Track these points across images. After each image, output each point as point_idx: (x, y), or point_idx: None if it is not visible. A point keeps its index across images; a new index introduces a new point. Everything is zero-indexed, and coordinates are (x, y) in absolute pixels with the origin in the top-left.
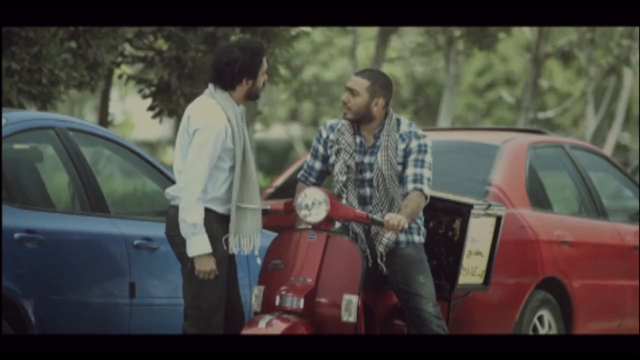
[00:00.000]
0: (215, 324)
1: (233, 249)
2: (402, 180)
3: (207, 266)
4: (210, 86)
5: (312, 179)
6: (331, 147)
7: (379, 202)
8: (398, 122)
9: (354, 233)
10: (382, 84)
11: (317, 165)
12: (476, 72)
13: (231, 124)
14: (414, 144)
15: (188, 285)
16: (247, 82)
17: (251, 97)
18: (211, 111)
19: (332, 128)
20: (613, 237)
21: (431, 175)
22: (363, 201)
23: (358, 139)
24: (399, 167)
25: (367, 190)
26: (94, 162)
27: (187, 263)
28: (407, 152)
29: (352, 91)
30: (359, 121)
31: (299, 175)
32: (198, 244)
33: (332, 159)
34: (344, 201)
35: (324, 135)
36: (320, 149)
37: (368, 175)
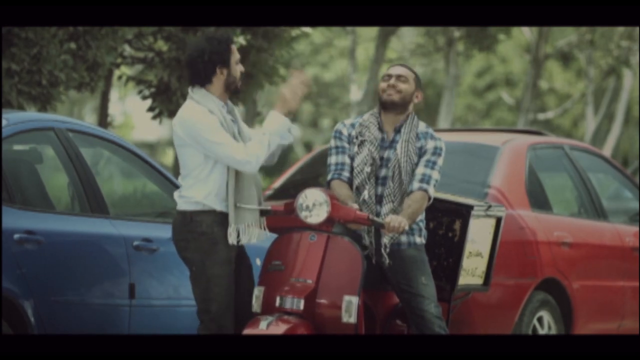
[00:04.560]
0: (225, 326)
1: (233, 239)
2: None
3: (290, 94)
4: (189, 89)
5: (346, 174)
6: (352, 141)
7: (392, 192)
8: (417, 121)
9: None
10: (420, 80)
11: (347, 160)
12: (476, 73)
13: (215, 115)
14: (430, 144)
15: (195, 289)
16: (222, 71)
17: (230, 88)
18: (189, 109)
19: (353, 125)
20: (613, 238)
21: (439, 177)
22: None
23: (381, 134)
24: (415, 165)
25: (379, 189)
26: (93, 163)
27: (192, 267)
28: (422, 152)
29: (400, 77)
30: (395, 107)
31: (329, 178)
32: (279, 125)
33: (353, 150)
34: (365, 193)
35: (346, 132)
36: (346, 145)
37: (383, 172)
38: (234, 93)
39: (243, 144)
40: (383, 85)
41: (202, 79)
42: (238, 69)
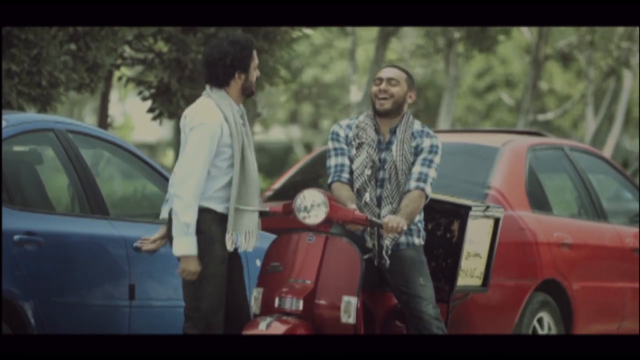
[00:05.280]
0: (215, 324)
1: (229, 246)
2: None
3: (192, 266)
4: (207, 87)
5: (346, 175)
6: (350, 143)
7: (390, 194)
8: (412, 120)
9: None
10: (412, 79)
11: (347, 161)
12: (476, 74)
13: (228, 122)
14: (426, 143)
15: (187, 287)
16: (240, 76)
17: (246, 92)
18: (206, 110)
19: (349, 127)
20: (613, 239)
21: (436, 175)
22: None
23: (377, 136)
24: (411, 165)
25: (378, 191)
26: (93, 164)
27: None
28: (418, 150)
29: (391, 80)
30: (389, 114)
31: (329, 180)
32: (186, 244)
33: (352, 152)
34: (367, 196)
35: (342, 134)
36: (344, 146)
37: (381, 174)
38: (248, 96)
39: (198, 180)
40: (375, 89)
41: (220, 82)
42: (255, 74)
